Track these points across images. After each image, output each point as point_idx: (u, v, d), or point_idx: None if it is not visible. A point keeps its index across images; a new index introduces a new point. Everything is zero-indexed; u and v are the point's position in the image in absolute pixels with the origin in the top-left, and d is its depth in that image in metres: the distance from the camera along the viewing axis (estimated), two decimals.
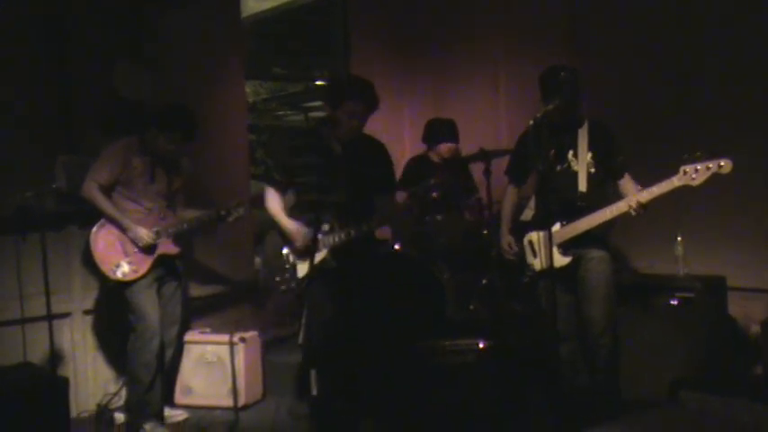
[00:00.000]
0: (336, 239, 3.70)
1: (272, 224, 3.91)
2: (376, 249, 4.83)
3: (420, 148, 5.53)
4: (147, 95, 4.71)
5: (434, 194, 4.88)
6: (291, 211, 3.87)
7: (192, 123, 4.24)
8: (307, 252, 3.64)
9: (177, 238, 4.31)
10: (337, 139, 3.75)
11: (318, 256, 3.66)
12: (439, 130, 5.33)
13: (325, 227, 3.67)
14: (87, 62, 4.61)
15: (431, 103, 6.22)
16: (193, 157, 4.52)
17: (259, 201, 4.03)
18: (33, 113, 4.45)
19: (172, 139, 4.19)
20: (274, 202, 3.89)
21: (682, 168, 3.46)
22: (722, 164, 3.39)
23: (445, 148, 5.27)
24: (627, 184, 3.81)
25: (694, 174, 3.43)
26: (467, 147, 5.22)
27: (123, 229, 4.16)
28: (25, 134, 4.42)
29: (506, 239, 4.12)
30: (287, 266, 3.79)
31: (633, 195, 3.61)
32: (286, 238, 3.86)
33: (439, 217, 5.00)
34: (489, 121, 5.81)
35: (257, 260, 5.21)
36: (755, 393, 3.44)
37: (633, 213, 3.62)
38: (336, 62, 6.42)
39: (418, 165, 5.37)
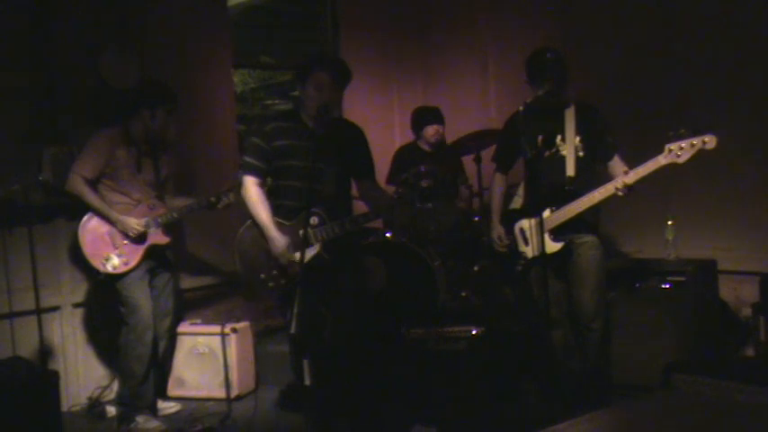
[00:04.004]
0: (327, 234, 3.55)
1: (247, 215, 3.69)
2: (367, 238, 4.82)
3: (410, 134, 5.50)
4: (135, 84, 4.65)
5: (425, 182, 4.88)
6: (269, 195, 3.70)
7: (171, 94, 4.21)
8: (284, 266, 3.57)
9: (167, 228, 4.28)
10: (315, 122, 3.54)
11: (311, 252, 3.51)
12: (424, 115, 5.33)
13: (314, 220, 3.52)
14: (72, 52, 4.55)
15: (420, 91, 6.21)
16: (184, 151, 4.49)
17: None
18: (18, 105, 4.39)
19: (155, 115, 4.15)
20: (262, 207, 3.60)
21: (666, 147, 3.41)
22: (706, 140, 3.33)
23: (432, 130, 5.24)
24: (615, 165, 3.77)
25: (679, 151, 3.37)
26: (457, 134, 5.19)
27: (111, 222, 4.12)
28: (10, 126, 4.36)
29: (497, 231, 4.07)
30: (272, 263, 3.61)
31: (620, 177, 3.56)
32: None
33: (430, 204, 4.97)
34: (479, 108, 5.79)
35: None
36: (748, 375, 3.45)
37: (620, 194, 3.56)
38: (325, 50, 6.38)
39: (407, 154, 5.34)
